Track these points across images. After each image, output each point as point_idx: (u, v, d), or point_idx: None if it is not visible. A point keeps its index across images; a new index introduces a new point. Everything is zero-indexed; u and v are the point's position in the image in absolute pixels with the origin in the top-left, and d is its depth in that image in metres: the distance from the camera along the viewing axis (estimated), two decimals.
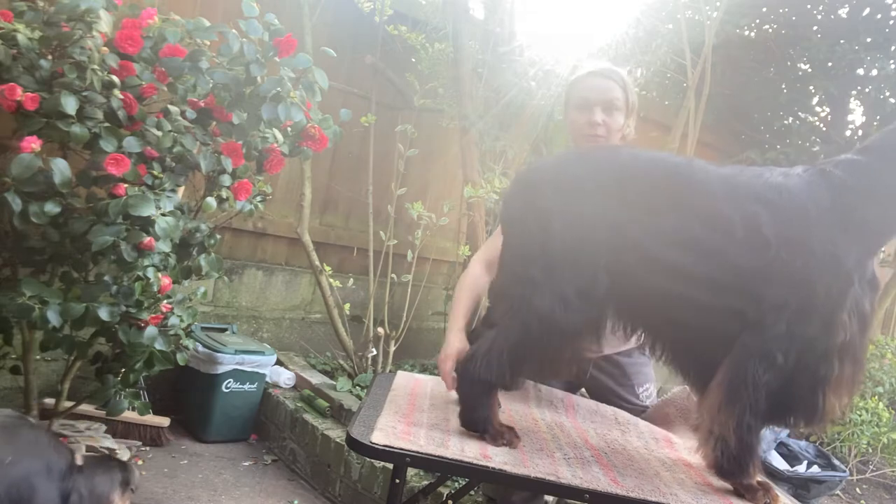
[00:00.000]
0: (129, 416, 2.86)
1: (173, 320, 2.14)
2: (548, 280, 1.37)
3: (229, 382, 2.98)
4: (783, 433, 3.47)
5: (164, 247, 1.94)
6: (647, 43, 4.90)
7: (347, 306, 3.28)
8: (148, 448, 2.79)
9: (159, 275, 1.99)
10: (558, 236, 1.38)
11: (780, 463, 3.25)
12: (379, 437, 1.35)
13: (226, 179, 2.16)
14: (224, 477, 2.69)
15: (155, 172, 1.99)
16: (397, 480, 1.46)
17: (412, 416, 1.56)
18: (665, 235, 1.38)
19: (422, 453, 1.32)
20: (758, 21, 5.75)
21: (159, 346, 2.11)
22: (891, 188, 1.37)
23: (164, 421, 2.88)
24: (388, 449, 1.32)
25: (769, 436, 3.40)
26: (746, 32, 5.75)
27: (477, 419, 1.43)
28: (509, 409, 1.83)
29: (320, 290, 3.30)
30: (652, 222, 1.39)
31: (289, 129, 2.29)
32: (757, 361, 1.35)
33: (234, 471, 2.77)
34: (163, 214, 1.92)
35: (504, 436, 1.42)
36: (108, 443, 2.59)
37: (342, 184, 3.74)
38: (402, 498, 1.56)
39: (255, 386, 3.07)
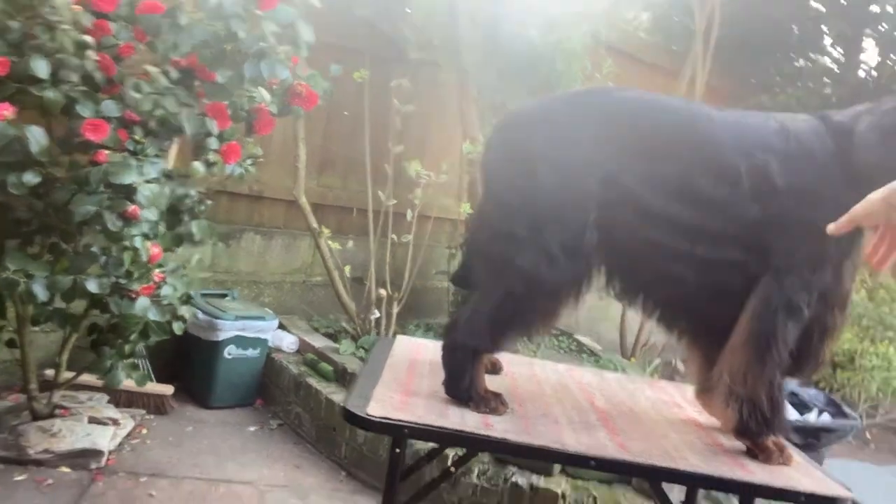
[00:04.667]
0: (133, 384, 2.84)
1: (166, 290, 2.09)
2: (532, 236, 1.30)
3: (231, 349, 2.95)
4: (793, 381, 3.44)
5: (151, 215, 1.87)
6: None
7: (348, 268, 3.22)
8: (152, 416, 2.78)
9: (148, 244, 1.93)
10: (544, 187, 1.30)
11: (790, 412, 3.21)
12: (376, 409, 1.30)
13: (213, 142, 2.07)
14: (230, 443, 2.68)
15: (137, 137, 1.90)
16: (397, 450, 1.42)
17: (412, 385, 1.50)
18: (664, 186, 1.31)
19: (420, 424, 1.27)
20: None
21: (153, 316, 2.06)
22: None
23: (168, 389, 2.86)
24: (385, 421, 1.27)
25: None
26: None
27: (461, 387, 1.37)
28: (513, 372, 1.78)
29: (320, 254, 3.24)
30: (649, 172, 1.31)
31: (275, 87, 2.19)
32: (784, 314, 1.29)
33: (239, 436, 2.76)
34: (147, 181, 1.84)
35: (490, 403, 1.37)
36: (111, 412, 2.58)
37: (338, 143, 3.63)
38: (406, 463, 1.53)
39: (257, 351, 3.04)
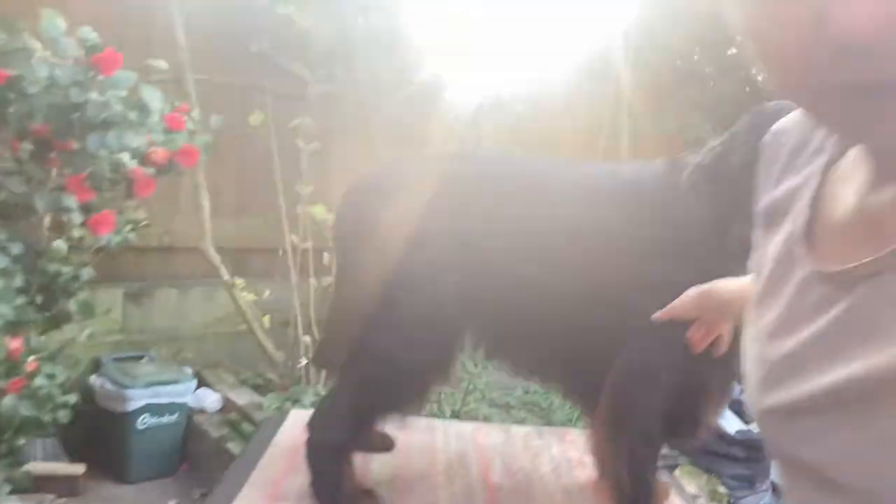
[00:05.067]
0: (41, 467, 2.66)
1: (40, 380, 1.92)
2: (386, 315, 1.19)
3: (145, 418, 2.78)
4: (735, 389, 3.38)
5: (3, 309, 1.71)
6: None
7: (266, 319, 3.06)
8: (63, 500, 2.59)
9: (6, 338, 1.76)
10: (400, 263, 1.19)
11: (731, 423, 3.15)
12: None
13: (76, 217, 1.91)
14: None
15: None
16: None
17: (284, 483, 1.37)
18: (522, 250, 1.22)
19: None
20: None
21: (26, 411, 1.90)
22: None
23: (79, 469, 2.68)
24: None
25: None
26: None
27: (326, 490, 1.25)
28: (408, 444, 1.66)
29: (237, 305, 3.09)
30: (506, 236, 1.22)
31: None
32: (639, 380, 1.21)
33: None
34: None
35: None
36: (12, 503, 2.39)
37: (253, 184, 3.48)
38: None
39: (175, 416, 2.87)
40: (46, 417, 1.99)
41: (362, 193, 1.30)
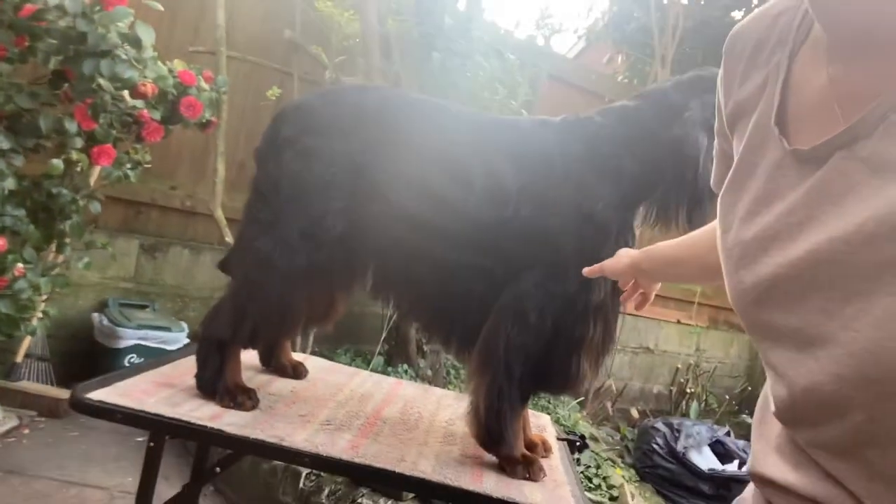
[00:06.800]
0: (29, 386, 2.87)
1: (21, 284, 2.11)
2: (273, 221, 1.29)
3: (132, 357, 2.95)
4: (721, 431, 3.27)
5: None
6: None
7: None
8: (43, 419, 2.78)
9: None
10: (287, 173, 1.30)
11: (705, 461, 3.05)
12: (100, 394, 1.27)
13: (76, 142, 2.11)
14: (109, 450, 2.65)
15: None
16: (152, 444, 1.39)
17: (179, 378, 1.47)
18: (407, 183, 1.29)
19: (132, 409, 1.24)
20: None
21: (5, 308, 2.08)
22: (655, 134, 1.23)
23: (64, 393, 2.86)
24: (99, 405, 1.24)
25: (704, 433, 3.20)
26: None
27: (205, 379, 1.34)
28: (323, 379, 1.73)
29: None
30: (395, 168, 1.29)
31: (155, 94, 2.24)
32: (510, 322, 1.24)
33: (123, 445, 2.73)
34: None
35: (236, 397, 1.33)
36: None
37: None
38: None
39: None
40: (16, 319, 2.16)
41: (278, 117, 1.41)
